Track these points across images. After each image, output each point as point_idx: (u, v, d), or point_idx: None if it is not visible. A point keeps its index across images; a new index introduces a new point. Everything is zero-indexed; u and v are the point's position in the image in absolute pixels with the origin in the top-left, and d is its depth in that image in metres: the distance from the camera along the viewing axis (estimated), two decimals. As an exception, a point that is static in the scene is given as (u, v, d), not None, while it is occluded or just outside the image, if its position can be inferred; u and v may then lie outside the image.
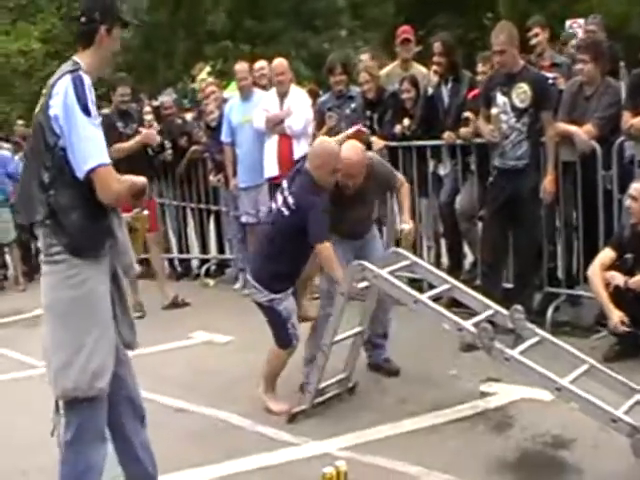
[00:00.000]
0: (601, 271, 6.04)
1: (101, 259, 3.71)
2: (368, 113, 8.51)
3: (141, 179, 3.83)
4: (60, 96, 3.56)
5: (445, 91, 8.06)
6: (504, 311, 5.06)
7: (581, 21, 9.62)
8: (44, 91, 3.67)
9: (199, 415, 5.87)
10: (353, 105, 8.52)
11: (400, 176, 6.33)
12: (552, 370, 4.53)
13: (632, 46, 8.45)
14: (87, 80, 3.60)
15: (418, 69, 8.80)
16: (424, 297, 5.10)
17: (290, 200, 5.54)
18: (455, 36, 9.27)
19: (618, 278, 5.93)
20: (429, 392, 5.82)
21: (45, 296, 3.72)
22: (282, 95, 8.78)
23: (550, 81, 7.10)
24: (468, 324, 4.83)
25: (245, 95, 9.20)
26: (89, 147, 3.54)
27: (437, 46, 8.00)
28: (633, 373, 5.03)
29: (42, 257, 3.72)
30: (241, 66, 9.35)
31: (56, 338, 3.65)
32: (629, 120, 6.53)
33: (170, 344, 7.62)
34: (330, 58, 9.11)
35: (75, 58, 3.73)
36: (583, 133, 6.71)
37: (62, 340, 3.63)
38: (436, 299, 5.32)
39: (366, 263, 5.27)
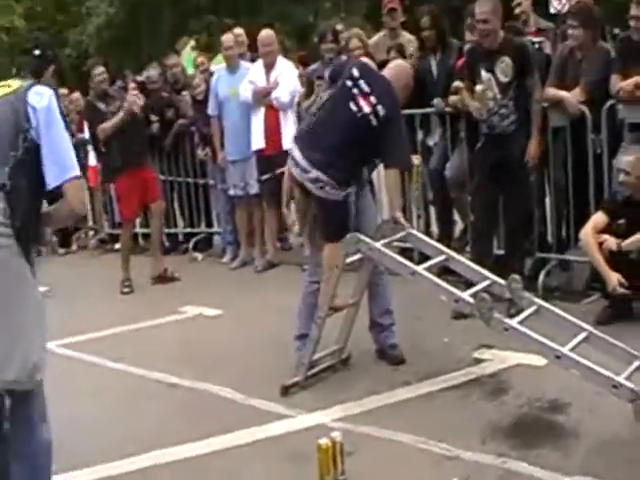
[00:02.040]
0: (594, 234, 6.02)
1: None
2: (358, 82, 8.40)
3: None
4: (41, 97, 3.44)
5: (434, 62, 7.96)
6: (501, 281, 5.02)
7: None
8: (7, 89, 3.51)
9: (191, 389, 5.82)
10: (342, 73, 8.41)
11: None
12: (550, 338, 4.49)
13: (620, 10, 8.34)
14: None
15: (406, 37, 8.65)
16: (421, 269, 5.06)
17: (381, 112, 5.39)
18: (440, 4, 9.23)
19: (611, 242, 5.90)
20: (422, 360, 5.78)
21: None
22: (269, 67, 8.72)
23: (536, 45, 7.14)
24: (466, 295, 4.80)
25: (232, 67, 9.15)
26: (70, 155, 3.47)
27: (425, 21, 7.91)
28: (626, 336, 4.99)
29: None
30: (227, 36, 9.36)
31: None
32: (618, 83, 6.48)
33: (160, 319, 7.57)
34: (322, 26, 9.05)
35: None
36: (573, 97, 6.67)
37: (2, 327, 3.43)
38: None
39: (361, 236, 5.19)
